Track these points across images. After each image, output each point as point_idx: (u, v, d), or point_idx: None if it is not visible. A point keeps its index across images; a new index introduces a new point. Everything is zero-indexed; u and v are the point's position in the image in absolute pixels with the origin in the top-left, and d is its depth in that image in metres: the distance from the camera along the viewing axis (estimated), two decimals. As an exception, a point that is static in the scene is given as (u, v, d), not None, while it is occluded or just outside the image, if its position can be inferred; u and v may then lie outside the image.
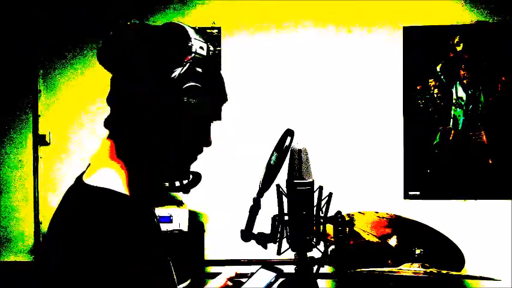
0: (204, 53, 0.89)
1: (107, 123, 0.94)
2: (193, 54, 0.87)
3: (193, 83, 0.87)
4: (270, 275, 1.14)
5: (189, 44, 0.87)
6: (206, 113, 0.94)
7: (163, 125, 0.89)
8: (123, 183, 0.91)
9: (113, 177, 0.91)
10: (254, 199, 1.04)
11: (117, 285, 0.81)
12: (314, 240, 1.03)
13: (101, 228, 0.83)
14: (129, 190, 0.92)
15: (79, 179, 0.93)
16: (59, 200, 0.94)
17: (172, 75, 0.86)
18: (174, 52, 0.87)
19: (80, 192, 0.90)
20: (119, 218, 0.86)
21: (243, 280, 1.24)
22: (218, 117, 0.99)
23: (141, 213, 0.93)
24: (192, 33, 0.89)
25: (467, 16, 2.29)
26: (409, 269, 1.70)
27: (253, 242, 1.06)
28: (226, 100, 1.00)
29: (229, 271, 1.30)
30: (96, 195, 0.88)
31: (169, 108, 0.87)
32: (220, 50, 2.32)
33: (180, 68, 0.86)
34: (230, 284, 1.28)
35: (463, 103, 2.28)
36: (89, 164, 0.95)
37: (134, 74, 0.88)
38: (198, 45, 0.88)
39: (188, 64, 0.87)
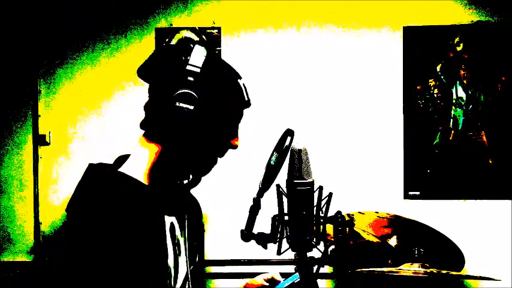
0: (200, 65, 1.02)
1: (142, 125, 1.11)
2: (187, 66, 1.01)
3: (185, 90, 1.00)
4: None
5: (187, 58, 1.02)
6: (210, 119, 1.05)
7: (166, 126, 1.04)
8: (146, 168, 1.07)
9: (139, 161, 1.08)
10: (254, 199, 1.04)
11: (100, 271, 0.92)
12: (314, 240, 1.03)
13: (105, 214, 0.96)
14: (150, 177, 1.07)
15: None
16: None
17: (170, 83, 1.02)
18: (179, 65, 1.03)
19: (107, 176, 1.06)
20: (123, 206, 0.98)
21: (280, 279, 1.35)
22: (236, 121, 1.15)
23: (149, 205, 1.03)
24: (197, 48, 1.04)
25: (467, 16, 2.29)
26: (409, 269, 1.70)
27: (253, 242, 1.06)
28: (246, 107, 1.14)
29: (267, 274, 1.42)
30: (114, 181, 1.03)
31: (167, 112, 1.02)
32: (220, 50, 2.32)
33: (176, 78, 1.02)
34: (267, 284, 1.38)
35: (463, 103, 2.28)
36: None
37: (155, 84, 1.07)
38: (194, 59, 1.03)
39: (183, 74, 1.01)
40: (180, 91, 1.00)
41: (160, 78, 1.05)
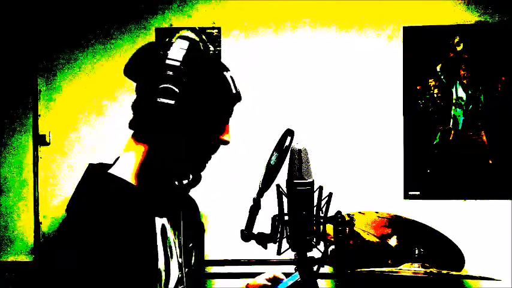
0: (180, 58, 1.00)
1: (130, 125, 1.09)
2: (167, 61, 1.00)
3: (165, 85, 0.99)
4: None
5: (167, 53, 1.01)
6: (194, 113, 1.03)
7: (150, 124, 1.03)
8: (134, 168, 1.05)
9: (128, 161, 1.06)
10: (254, 199, 1.04)
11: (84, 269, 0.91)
12: (314, 240, 1.03)
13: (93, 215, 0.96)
14: (138, 178, 1.05)
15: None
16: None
17: (151, 80, 1.01)
18: (159, 60, 1.01)
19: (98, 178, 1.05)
20: (112, 207, 0.98)
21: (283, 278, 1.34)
22: (223, 117, 1.11)
23: (135, 206, 1.01)
24: (178, 42, 1.03)
25: (467, 16, 2.29)
26: (409, 269, 1.70)
27: (253, 242, 1.06)
28: (235, 100, 1.11)
29: (268, 274, 1.39)
30: (103, 182, 1.03)
31: (149, 108, 1.00)
32: (220, 50, 2.32)
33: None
34: (269, 284, 1.36)
35: (463, 103, 2.28)
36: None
37: (140, 81, 1.06)
38: (174, 52, 1.01)
39: (162, 69, 0.99)
40: (160, 86, 0.99)
41: (142, 75, 1.04)
